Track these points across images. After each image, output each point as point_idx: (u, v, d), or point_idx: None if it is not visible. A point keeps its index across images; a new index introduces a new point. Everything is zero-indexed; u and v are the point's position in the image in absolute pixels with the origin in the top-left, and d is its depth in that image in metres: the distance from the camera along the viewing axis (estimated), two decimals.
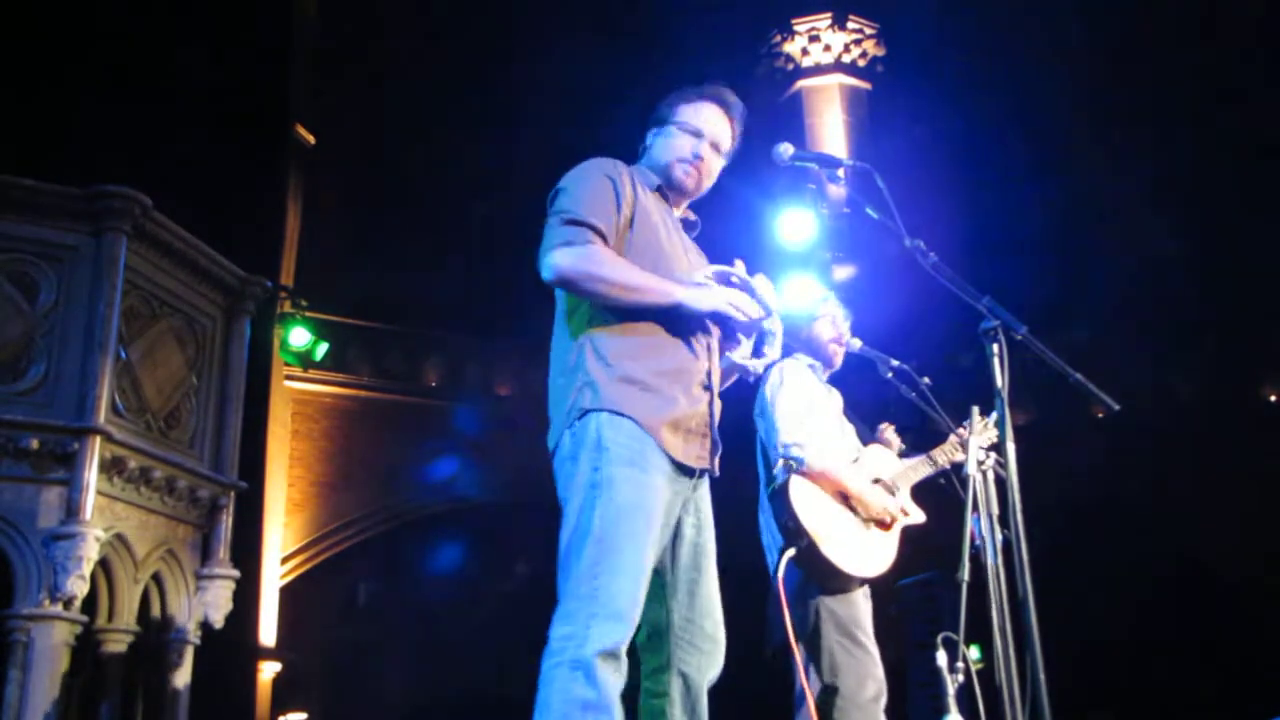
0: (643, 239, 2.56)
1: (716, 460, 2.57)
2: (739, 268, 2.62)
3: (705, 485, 2.60)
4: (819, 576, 3.50)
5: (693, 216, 2.80)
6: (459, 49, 15.02)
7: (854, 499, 3.61)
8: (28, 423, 4.14)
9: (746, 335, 2.62)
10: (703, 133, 2.70)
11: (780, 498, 3.48)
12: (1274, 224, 12.64)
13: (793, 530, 3.43)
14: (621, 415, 2.38)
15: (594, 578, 2.26)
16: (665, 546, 2.47)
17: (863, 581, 3.60)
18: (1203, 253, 13.39)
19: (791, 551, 3.42)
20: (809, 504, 3.48)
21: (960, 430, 4.00)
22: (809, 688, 3.39)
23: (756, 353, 2.64)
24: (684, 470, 2.47)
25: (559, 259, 2.42)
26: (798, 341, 3.83)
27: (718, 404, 2.59)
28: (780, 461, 3.52)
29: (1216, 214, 13.52)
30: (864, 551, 3.58)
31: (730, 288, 2.56)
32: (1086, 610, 10.82)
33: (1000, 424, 2.60)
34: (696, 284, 2.53)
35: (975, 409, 3.26)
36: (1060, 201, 14.26)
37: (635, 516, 2.32)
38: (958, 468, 3.94)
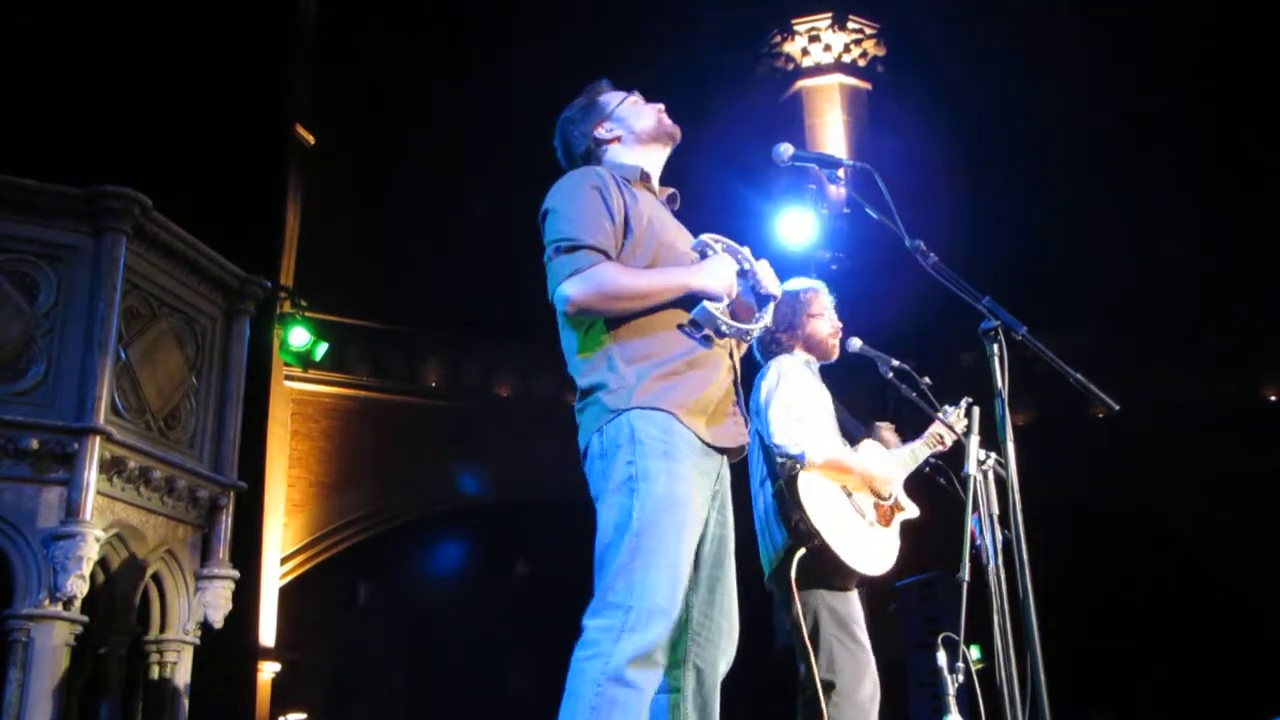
0: (641, 237, 2.56)
1: (746, 433, 2.58)
2: (746, 252, 2.64)
3: (728, 475, 2.60)
4: (826, 574, 3.47)
5: (676, 201, 2.81)
6: (458, 48, 15.03)
7: (863, 479, 3.62)
8: (28, 423, 4.13)
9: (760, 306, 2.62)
10: (633, 89, 2.80)
11: (787, 496, 3.46)
12: (1275, 224, 12.64)
13: (803, 530, 3.40)
14: (653, 410, 2.40)
15: (631, 572, 2.25)
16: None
17: (866, 579, 3.60)
18: (1204, 253, 13.39)
19: (802, 551, 3.41)
20: (817, 502, 3.46)
21: (939, 417, 4.01)
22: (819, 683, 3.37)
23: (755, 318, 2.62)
24: (716, 449, 2.49)
25: (570, 290, 2.42)
26: (794, 338, 3.82)
27: (737, 380, 2.59)
28: (782, 461, 3.51)
29: (1217, 214, 13.51)
30: (870, 549, 3.58)
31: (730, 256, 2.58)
32: (1087, 610, 10.81)
33: (1000, 424, 2.60)
34: (696, 263, 2.55)
35: (975, 408, 3.25)
36: (1060, 201, 14.26)
37: (672, 509, 2.33)
38: (942, 461, 3.96)
